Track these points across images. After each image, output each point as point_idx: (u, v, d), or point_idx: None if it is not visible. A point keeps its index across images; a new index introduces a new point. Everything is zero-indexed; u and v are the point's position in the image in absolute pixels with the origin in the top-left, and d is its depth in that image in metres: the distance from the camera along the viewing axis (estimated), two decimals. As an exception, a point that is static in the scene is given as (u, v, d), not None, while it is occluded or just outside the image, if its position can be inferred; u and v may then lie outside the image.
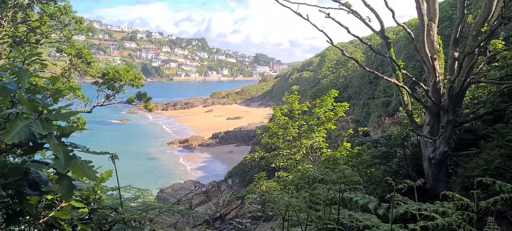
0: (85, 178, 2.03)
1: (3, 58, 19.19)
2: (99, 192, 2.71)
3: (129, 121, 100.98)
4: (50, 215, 2.17)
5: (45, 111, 1.97)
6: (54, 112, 1.99)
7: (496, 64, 13.30)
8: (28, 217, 2.20)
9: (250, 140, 68.20)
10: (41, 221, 2.18)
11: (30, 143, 1.94)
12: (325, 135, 19.96)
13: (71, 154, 1.89)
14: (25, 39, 20.58)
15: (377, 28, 12.91)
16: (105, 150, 2.23)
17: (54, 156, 1.85)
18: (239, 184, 42.13)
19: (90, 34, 26.29)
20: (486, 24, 11.06)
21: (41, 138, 1.90)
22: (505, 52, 11.84)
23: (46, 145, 1.96)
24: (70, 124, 2.16)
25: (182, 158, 64.38)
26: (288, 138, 20.27)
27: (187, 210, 2.87)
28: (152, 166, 58.53)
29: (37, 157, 2.34)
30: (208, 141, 73.64)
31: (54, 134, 1.90)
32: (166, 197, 40.67)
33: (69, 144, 1.94)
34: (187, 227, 25.87)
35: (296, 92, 22.36)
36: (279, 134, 20.36)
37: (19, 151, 2.04)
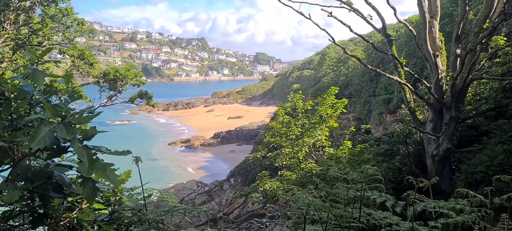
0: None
1: (6, 61, 19.24)
2: (119, 193, 2.75)
3: (130, 121, 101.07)
4: (72, 216, 2.23)
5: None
6: (76, 116, 2.03)
7: (498, 60, 13.33)
8: (50, 219, 2.25)
9: (251, 139, 68.20)
10: (63, 223, 2.23)
11: (54, 147, 1.98)
12: (327, 133, 20.04)
13: (94, 157, 1.93)
14: (27, 42, 20.63)
15: (379, 25, 12.96)
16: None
17: (78, 160, 1.89)
18: (242, 183, 42.16)
19: (91, 35, 26.35)
20: (487, 21, 11.10)
21: (64, 142, 1.94)
22: (507, 48, 11.89)
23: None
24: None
25: (184, 158, 64.39)
26: (291, 136, 20.35)
27: (210, 210, 2.93)
28: (154, 166, 58.42)
29: (57, 159, 2.38)
30: (210, 140, 73.69)
31: (77, 137, 1.95)
32: (169, 197, 40.63)
33: (92, 147, 1.98)
34: (190, 226, 25.89)
35: (300, 91, 22.45)
36: (282, 132, 20.45)
37: (43, 155, 2.09)
